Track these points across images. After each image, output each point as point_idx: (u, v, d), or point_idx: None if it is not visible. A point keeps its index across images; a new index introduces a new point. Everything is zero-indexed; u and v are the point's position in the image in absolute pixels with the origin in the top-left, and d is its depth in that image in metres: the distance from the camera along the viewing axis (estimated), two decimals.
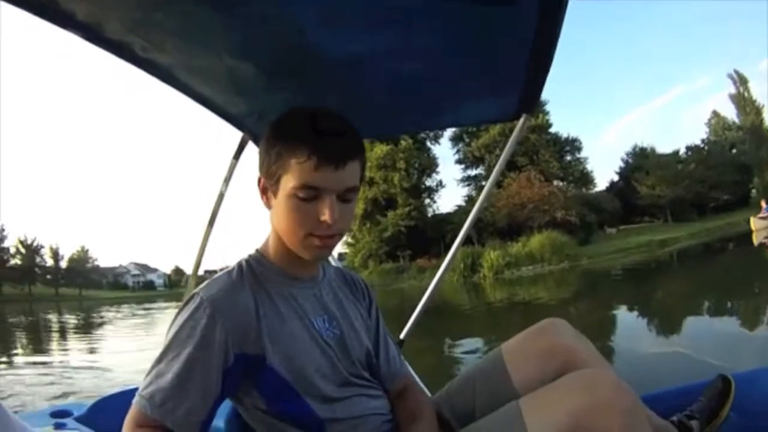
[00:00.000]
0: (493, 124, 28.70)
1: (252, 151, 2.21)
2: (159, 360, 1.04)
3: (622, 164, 48.79)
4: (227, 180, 2.25)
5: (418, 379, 1.51)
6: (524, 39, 1.48)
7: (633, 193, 43.40)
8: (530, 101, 2.05)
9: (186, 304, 1.08)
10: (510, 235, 33.61)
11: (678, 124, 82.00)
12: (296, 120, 1.09)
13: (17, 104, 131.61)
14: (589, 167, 45.11)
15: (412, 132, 28.64)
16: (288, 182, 1.06)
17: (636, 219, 41.29)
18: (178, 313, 1.08)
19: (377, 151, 39.05)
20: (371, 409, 1.22)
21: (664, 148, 52.58)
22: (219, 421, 1.15)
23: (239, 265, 1.18)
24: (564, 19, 1.38)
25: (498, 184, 36.20)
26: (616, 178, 49.08)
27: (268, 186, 1.13)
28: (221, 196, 2.27)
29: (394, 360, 1.38)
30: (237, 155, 2.23)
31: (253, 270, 1.17)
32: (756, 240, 22.10)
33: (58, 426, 1.65)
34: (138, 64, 1.52)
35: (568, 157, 44.77)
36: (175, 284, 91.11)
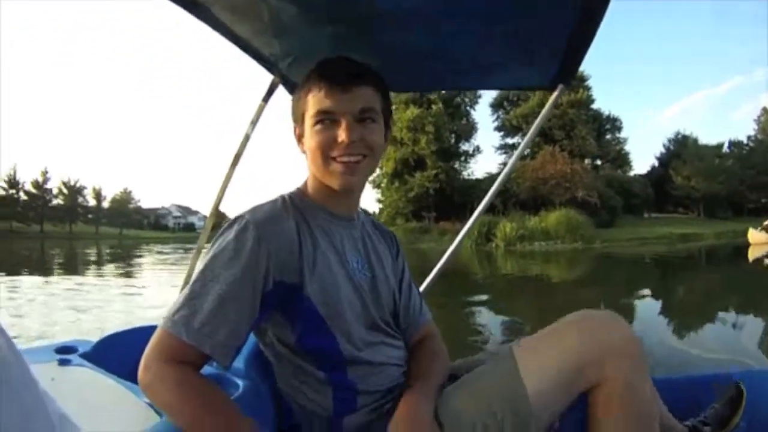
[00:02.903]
0: (528, 91, 28.46)
1: (281, 94, 2.21)
2: (196, 280, 1.03)
3: (663, 150, 47.65)
4: (254, 122, 2.26)
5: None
6: (570, 7, 1.50)
7: (669, 182, 42.38)
8: (568, 72, 2.06)
9: (230, 226, 1.09)
10: (534, 209, 33.72)
11: (729, 117, 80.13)
12: (314, 66, 1.21)
13: (60, 50, 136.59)
14: (630, 149, 44.64)
15: (447, 89, 27.19)
16: (309, 115, 1.15)
17: (670, 209, 40.22)
18: (220, 235, 1.10)
19: (408, 113, 40.19)
20: (392, 359, 1.24)
21: (709, 139, 51.22)
22: (238, 362, 1.13)
23: (282, 197, 1.21)
24: None
25: (531, 156, 37.05)
26: (656, 164, 47.64)
27: (299, 130, 1.22)
28: (247, 138, 2.27)
29: (416, 308, 1.41)
30: (266, 98, 2.23)
31: (295, 203, 1.20)
32: (751, 255, 19.95)
33: (62, 362, 1.63)
34: (178, 2, 1.58)
35: (608, 136, 44.74)
36: (215, 227, 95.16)
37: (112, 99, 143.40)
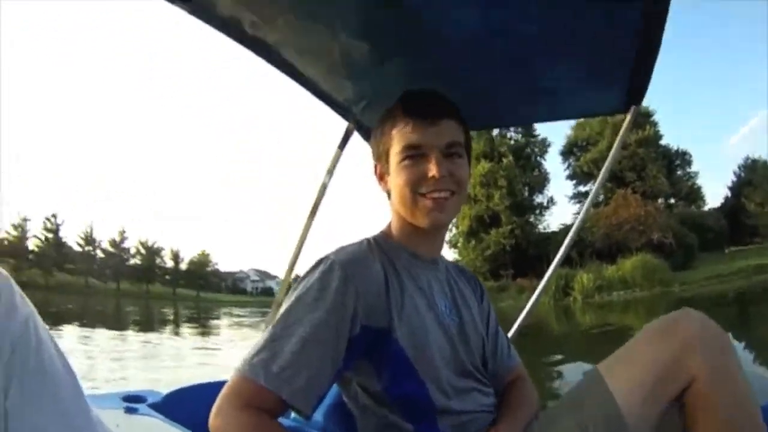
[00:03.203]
0: (602, 116, 28.39)
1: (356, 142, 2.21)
2: (277, 323, 1.01)
3: (734, 178, 45.14)
4: (331, 171, 2.22)
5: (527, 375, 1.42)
6: (631, 24, 1.51)
7: (743, 211, 40.31)
8: (638, 91, 2.00)
9: (314, 267, 1.08)
10: (610, 256, 33.44)
11: None
12: (394, 102, 1.23)
13: (143, 112, 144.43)
14: (702, 182, 42.84)
15: (520, 124, 26.76)
16: (394, 152, 1.16)
17: (746, 239, 38.48)
18: (304, 276, 1.08)
19: (479, 168, 40.72)
20: (483, 406, 1.20)
21: None
22: (318, 414, 1.13)
23: (366, 240, 1.21)
24: (669, 3, 1.40)
25: (605, 202, 37.00)
26: (729, 194, 45.04)
27: (381, 168, 1.23)
28: (324, 187, 2.23)
29: (504, 352, 1.37)
30: (342, 145, 2.20)
31: (380, 245, 1.20)
32: None
33: (129, 410, 1.61)
34: (245, 44, 1.61)
35: (679, 172, 43.65)
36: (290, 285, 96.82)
37: (192, 161, 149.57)
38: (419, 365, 1.10)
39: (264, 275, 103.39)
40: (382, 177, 1.25)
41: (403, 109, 1.18)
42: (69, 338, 13.80)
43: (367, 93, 2.01)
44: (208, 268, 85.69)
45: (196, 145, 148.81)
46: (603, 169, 2.40)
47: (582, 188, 46.11)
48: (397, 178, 1.17)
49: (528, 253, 40.23)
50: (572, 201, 47.15)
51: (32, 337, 0.68)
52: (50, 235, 63.71)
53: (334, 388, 1.22)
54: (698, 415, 1.00)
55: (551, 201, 47.10)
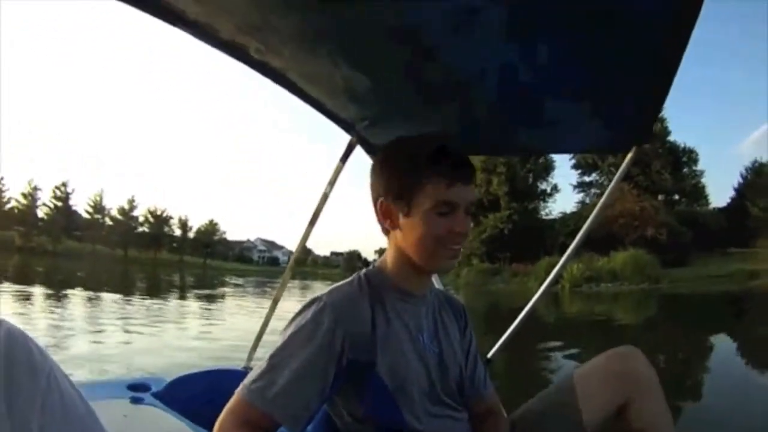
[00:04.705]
0: (603, 154, 28.14)
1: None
2: (274, 355, 1.14)
3: (740, 180, 44.59)
4: (332, 182, 2.32)
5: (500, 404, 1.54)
6: (640, 67, 1.51)
7: (746, 214, 40.06)
8: (643, 132, 2.05)
9: (308, 306, 1.19)
10: (603, 248, 32.74)
11: None
12: (420, 147, 1.24)
13: (154, 83, 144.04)
14: (709, 182, 42.62)
15: (518, 154, 28.63)
16: (426, 201, 1.19)
17: (748, 243, 37.90)
18: (299, 313, 1.19)
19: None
20: (456, 430, 1.34)
21: None
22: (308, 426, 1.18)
23: (358, 277, 1.30)
24: (686, 48, 1.36)
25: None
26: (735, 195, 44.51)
27: (394, 208, 1.24)
28: (325, 197, 2.34)
29: (480, 380, 1.48)
30: (344, 158, 2.29)
31: (371, 282, 1.28)
32: None
33: (135, 400, 1.71)
34: (250, 65, 1.65)
35: (684, 170, 43.68)
36: (300, 262, 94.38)
37: (202, 133, 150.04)
38: (397, 395, 1.21)
39: (271, 245, 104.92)
40: (388, 215, 1.26)
41: (440, 164, 1.20)
42: (76, 301, 14.78)
43: (370, 113, 2.05)
44: (216, 237, 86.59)
45: (209, 118, 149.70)
46: (609, 188, 2.54)
47: (586, 178, 46.66)
48: (423, 228, 1.21)
49: (526, 238, 40.87)
50: (576, 190, 47.87)
51: (55, 391, 0.75)
52: (60, 204, 65.10)
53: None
54: (629, 424, 1.36)
55: (555, 188, 47.89)
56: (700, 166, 44.86)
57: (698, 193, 44.36)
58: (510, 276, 37.58)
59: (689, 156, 44.48)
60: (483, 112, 1.98)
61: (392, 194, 1.25)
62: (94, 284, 20.52)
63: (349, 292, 1.25)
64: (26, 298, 14.12)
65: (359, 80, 1.73)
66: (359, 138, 2.25)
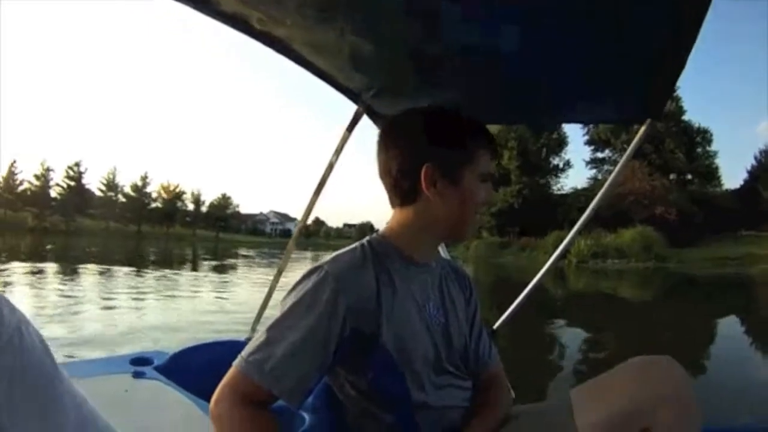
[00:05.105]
0: (616, 125, 27.41)
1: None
2: (272, 327, 1.10)
3: (754, 163, 44.29)
4: (338, 151, 2.31)
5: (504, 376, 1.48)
6: (657, 39, 1.47)
7: (760, 197, 39.60)
8: (657, 105, 2.02)
9: (309, 275, 1.14)
10: (611, 225, 33.41)
11: None
12: (462, 121, 1.26)
13: (166, 62, 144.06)
14: (724, 164, 42.97)
15: (529, 123, 26.32)
16: (476, 169, 1.23)
17: (763, 226, 37.06)
18: (298, 283, 1.14)
19: (492, 129, 40.63)
20: (459, 401, 1.28)
21: None
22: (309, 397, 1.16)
23: (361, 245, 1.24)
24: (703, 21, 1.32)
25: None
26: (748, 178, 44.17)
27: (440, 175, 1.21)
28: (331, 167, 2.32)
29: (485, 350, 1.43)
30: (351, 127, 2.27)
31: (375, 250, 1.23)
32: None
33: (137, 374, 1.69)
34: (253, 36, 1.63)
35: (698, 150, 43.17)
36: (313, 234, 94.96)
37: (214, 103, 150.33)
38: (402, 366, 1.17)
39: (284, 217, 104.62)
40: (434, 182, 1.21)
41: (485, 136, 1.27)
42: (88, 277, 15.06)
43: (377, 82, 2.03)
44: (229, 210, 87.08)
45: (219, 93, 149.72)
46: (620, 163, 2.49)
47: (599, 154, 46.63)
48: (469, 195, 1.23)
49: (536, 213, 41.04)
50: (589, 166, 47.89)
51: (17, 349, 0.62)
52: (72, 183, 65.33)
53: None
54: None
55: (567, 164, 48.06)
56: (714, 147, 44.52)
57: (711, 174, 44.01)
58: (519, 249, 37.84)
59: (703, 136, 44.15)
60: (493, 81, 1.94)
61: (442, 163, 1.21)
62: (107, 260, 20.77)
63: (352, 260, 1.19)
64: (37, 273, 14.31)
65: (365, 49, 1.70)
66: (366, 107, 2.21)
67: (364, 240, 1.27)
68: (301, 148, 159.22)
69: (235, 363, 1.09)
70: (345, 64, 1.88)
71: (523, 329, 7.41)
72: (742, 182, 44.70)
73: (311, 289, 1.11)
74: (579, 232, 2.52)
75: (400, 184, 1.24)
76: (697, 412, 1.05)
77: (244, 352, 1.09)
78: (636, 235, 31.53)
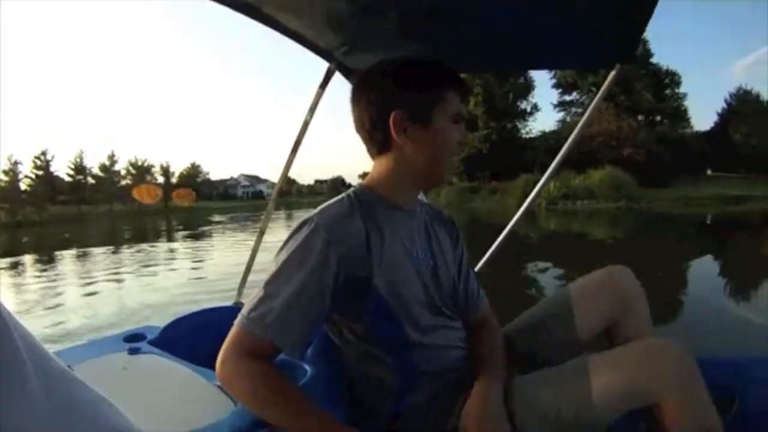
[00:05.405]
0: (586, 69, 26.92)
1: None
2: (269, 283, 1.13)
3: (725, 106, 44.77)
4: (312, 109, 2.32)
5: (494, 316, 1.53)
6: None
7: (729, 139, 40.34)
8: (627, 50, 2.01)
9: (300, 228, 1.17)
10: (580, 167, 33.22)
11: None
12: (428, 66, 1.29)
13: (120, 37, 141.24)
14: (695, 106, 43.89)
15: (501, 69, 25.30)
16: (446, 111, 1.24)
17: (734, 167, 37.98)
18: (290, 237, 1.17)
19: None
20: (453, 341, 1.35)
21: None
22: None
23: (347, 195, 1.28)
24: None
25: (584, 113, 37.45)
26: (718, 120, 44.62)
27: (409, 121, 1.23)
28: (306, 125, 2.35)
29: (473, 291, 1.51)
30: (323, 84, 2.27)
31: (361, 199, 1.26)
32: None
33: (132, 351, 1.68)
34: (220, 1, 1.60)
35: (667, 92, 43.60)
36: (285, 193, 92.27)
37: (174, 72, 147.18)
38: (396, 308, 1.22)
39: (254, 179, 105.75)
40: (404, 128, 1.24)
41: (454, 79, 1.27)
42: (65, 262, 14.80)
43: (349, 39, 2.02)
44: (199, 179, 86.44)
45: (182, 56, 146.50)
46: (589, 108, 2.50)
47: (567, 97, 47.23)
48: (441, 138, 1.25)
49: (505, 157, 41.64)
50: (557, 109, 48.67)
51: None
52: (41, 173, 63.62)
53: None
54: (658, 428, 1.16)
55: (535, 108, 48.43)
56: (684, 90, 45.04)
57: (680, 116, 44.41)
58: (489, 193, 38.35)
59: (672, 78, 44.54)
60: (464, 31, 1.91)
61: (410, 107, 1.24)
62: (83, 243, 20.38)
63: (340, 211, 1.23)
64: (14, 267, 13.99)
65: (335, 6, 1.70)
66: (338, 64, 2.21)
67: (350, 191, 1.31)
68: (262, 112, 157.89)
69: (237, 321, 1.12)
70: (316, 22, 1.87)
71: (499, 271, 7.44)
72: (712, 125, 45.37)
73: (303, 241, 1.15)
74: (543, 171, 2.54)
75: (374, 134, 1.28)
76: (701, 385, 1.16)
77: (244, 310, 1.12)
78: (605, 176, 31.74)
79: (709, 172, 38.38)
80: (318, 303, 1.14)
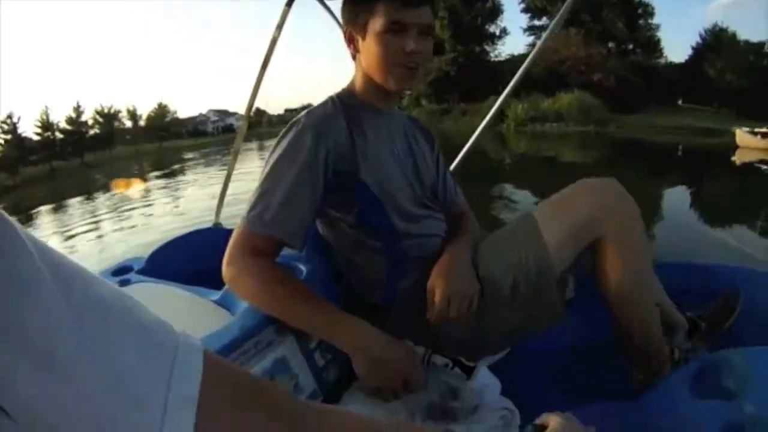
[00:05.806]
0: None
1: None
2: (264, 182, 1.20)
3: (699, 40, 43.82)
4: (279, 26, 2.34)
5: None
6: None
7: (703, 74, 39.64)
8: None
9: (289, 130, 1.27)
10: (549, 91, 33.32)
11: None
12: None
13: None
14: (670, 38, 43.26)
15: None
16: (377, 23, 1.26)
17: (706, 101, 37.77)
18: (280, 139, 1.26)
19: None
20: (438, 230, 1.45)
21: (752, 37, 44.24)
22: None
23: (331, 98, 1.37)
24: None
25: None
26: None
27: (355, 33, 1.33)
28: (274, 42, 2.38)
29: (451, 187, 1.64)
30: (290, 2, 2.30)
31: (344, 102, 1.36)
32: (738, 159, 16.78)
33: (123, 283, 1.65)
34: None
35: (641, 21, 42.73)
36: (255, 124, 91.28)
37: (131, 8, 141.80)
38: (383, 198, 1.31)
39: (223, 114, 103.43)
40: (352, 40, 1.35)
41: None
42: (43, 216, 15.36)
43: None
44: (167, 119, 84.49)
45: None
46: (556, 18, 2.36)
47: (537, 22, 46.52)
48: (377, 47, 1.28)
49: (474, 79, 41.94)
50: (527, 33, 47.97)
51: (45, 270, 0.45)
52: (9, 137, 61.85)
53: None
54: (605, 262, 1.30)
55: (504, 31, 48.31)
56: (657, 21, 44.07)
57: (653, 46, 43.77)
58: (459, 114, 38.52)
59: (645, 9, 43.53)
60: None
61: (351, 19, 1.32)
62: (58, 197, 20.46)
63: (326, 111, 1.32)
64: None
65: None
66: None
67: (333, 95, 1.40)
68: (227, 43, 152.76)
69: (238, 223, 1.19)
70: None
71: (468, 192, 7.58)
72: (686, 58, 44.77)
73: (292, 140, 1.24)
74: (513, 94, 2.55)
75: (348, 48, 1.39)
76: (640, 222, 1.30)
77: (244, 211, 1.19)
78: (574, 100, 31.71)
79: (680, 102, 38.48)
80: (311, 195, 1.22)
